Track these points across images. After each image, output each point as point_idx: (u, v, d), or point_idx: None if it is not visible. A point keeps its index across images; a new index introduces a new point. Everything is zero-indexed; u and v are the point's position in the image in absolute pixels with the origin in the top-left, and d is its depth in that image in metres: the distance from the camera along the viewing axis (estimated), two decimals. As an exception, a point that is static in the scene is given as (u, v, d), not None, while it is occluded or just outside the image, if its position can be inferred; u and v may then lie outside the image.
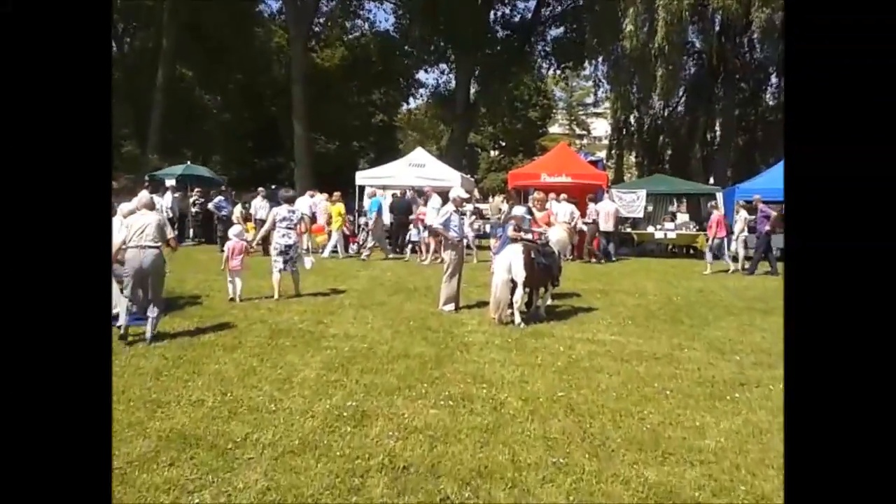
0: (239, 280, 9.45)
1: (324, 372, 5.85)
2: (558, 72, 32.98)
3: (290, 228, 9.73)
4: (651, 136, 31.95)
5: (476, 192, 19.70)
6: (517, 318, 7.96)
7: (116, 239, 6.83)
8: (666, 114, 31.12)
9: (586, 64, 30.77)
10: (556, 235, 9.03)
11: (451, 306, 8.87)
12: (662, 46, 22.15)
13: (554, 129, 60.75)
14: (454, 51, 29.77)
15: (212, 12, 32.24)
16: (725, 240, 15.33)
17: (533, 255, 8.06)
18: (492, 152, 54.90)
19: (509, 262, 7.95)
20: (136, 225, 6.86)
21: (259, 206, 17.54)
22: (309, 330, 7.58)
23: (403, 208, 17.45)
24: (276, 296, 9.48)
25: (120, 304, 7.02)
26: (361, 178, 19.68)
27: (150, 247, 6.81)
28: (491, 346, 6.88)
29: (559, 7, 30.79)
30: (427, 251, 15.70)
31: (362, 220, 18.27)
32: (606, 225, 16.78)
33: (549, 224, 9.86)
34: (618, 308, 9.50)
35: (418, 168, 19.42)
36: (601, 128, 55.23)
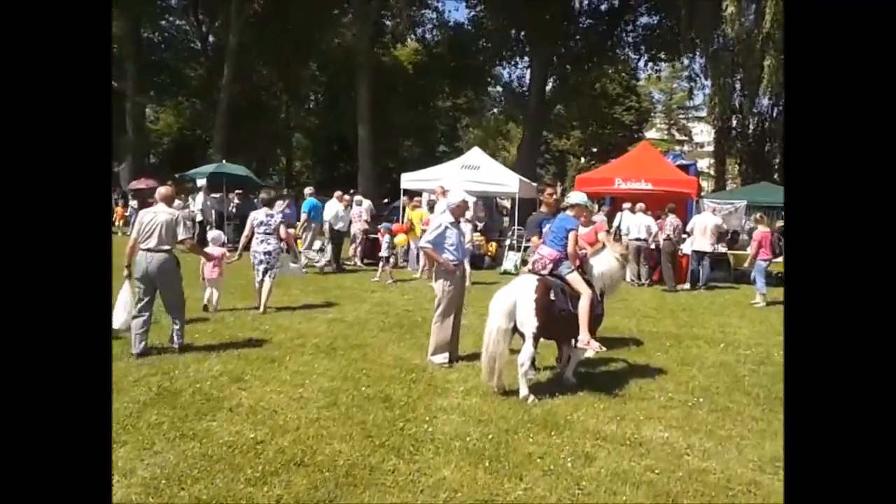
0: (216, 289, 8.86)
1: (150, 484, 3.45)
2: (650, 63, 29.29)
3: (268, 234, 9.01)
4: (757, 142, 27.91)
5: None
6: (523, 389, 5.30)
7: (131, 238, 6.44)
8: (774, 114, 26.99)
9: (683, 59, 27.14)
10: (603, 265, 5.89)
11: (444, 357, 6.31)
12: (772, 32, 18.54)
13: (651, 133, 56.04)
14: (529, 41, 26.87)
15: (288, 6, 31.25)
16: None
17: (553, 296, 5.37)
18: (581, 159, 51.23)
19: (512, 303, 5.31)
20: (145, 223, 6.30)
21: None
22: (211, 393, 5.22)
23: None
24: (261, 308, 8.79)
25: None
26: (407, 180, 17.35)
27: (159, 250, 6.25)
28: (453, 448, 4.24)
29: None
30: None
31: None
32: (701, 242, 12.93)
33: (592, 245, 7.06)
34: (689, 370, 6.59)
35: (471, 171, 16.85)
36: (704, 133, 50.74)
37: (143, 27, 31.73)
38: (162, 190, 6.82)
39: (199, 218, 17.47)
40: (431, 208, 14.12)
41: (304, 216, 14.53)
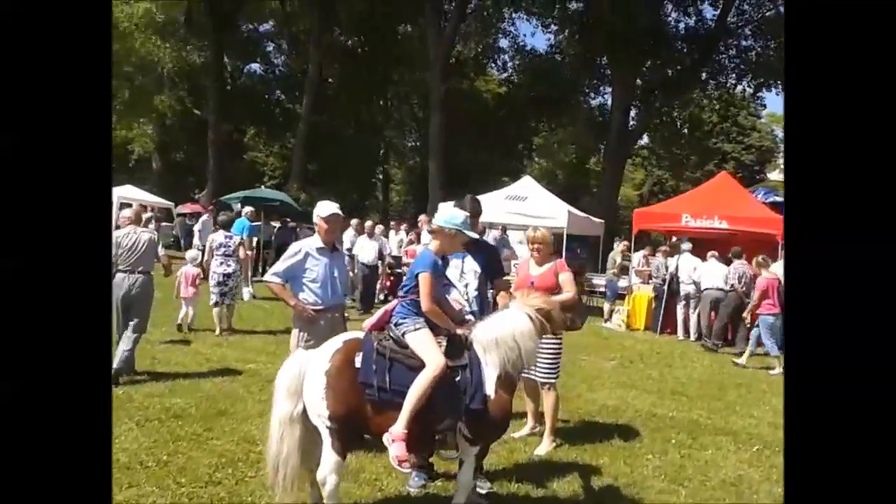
0: (191, 308, 9.03)
1: None
2: (752, 91, 25.90)
3: (227, 256, 9.06)
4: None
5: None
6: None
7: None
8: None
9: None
10: (498, 328, 3.52)
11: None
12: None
13: (774, 175, 50.58)
14: (613, 66, 24.52)
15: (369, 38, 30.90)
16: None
17: (360, 364, 3.39)
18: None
19: (299, 376, 3.47)
20: (124, 245, 6.29)
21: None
22: None
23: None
24: (217, 331, 8.99)
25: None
26: (444, 210, 15.64)
27: (140, 271, 6.33)
28: None
29: (755, 14, 24.16)
30: None
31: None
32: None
33: (549, 291, 4.94)
34: (678, 492, 4.36)
35: (516, 202, 14.94)
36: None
37: (227, 56, 32.42)
38: (127, 212, 6.94)
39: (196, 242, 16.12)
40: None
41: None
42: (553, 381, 5.20)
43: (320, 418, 3.36)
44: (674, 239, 14.51)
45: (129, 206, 10.70)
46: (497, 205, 15.10)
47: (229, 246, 9.16)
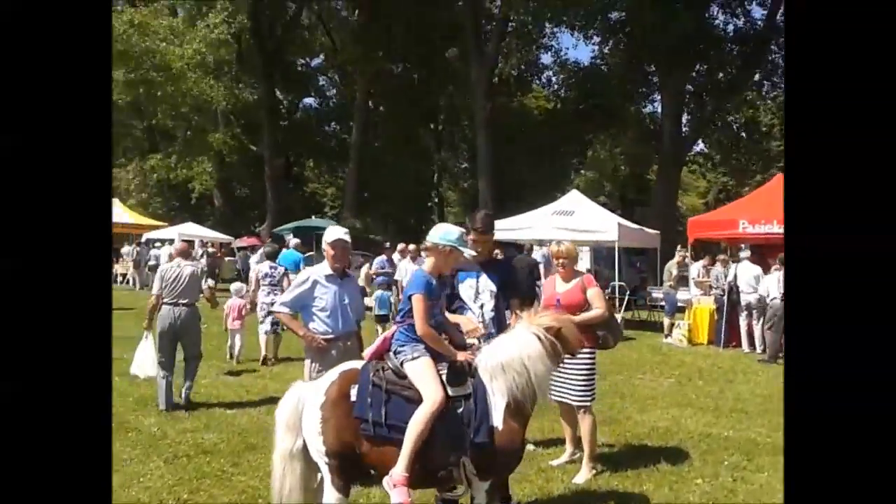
0: (239, 339, 9.28)
1: None
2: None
3: (273, 286, 9.14)
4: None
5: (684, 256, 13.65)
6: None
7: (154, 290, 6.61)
8: None
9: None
10: (504, 352, 3.26)
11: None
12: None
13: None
14: (661, 72, 23.84)
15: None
16: None
17: (355, 398, 3.22)
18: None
19: (297, 408, 3.36)
20: (168, 278, 6.47)
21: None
22: None
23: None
24: (261, 359, 9.22)
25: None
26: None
27: (186, 304, 6.50)
28: None
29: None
30: None
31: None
32: None
33: (576, 309, 4.66)
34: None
35: (563, 217, 14.52)
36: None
37: (280, 91, 33.33)
38: (178, 245, 7.58)
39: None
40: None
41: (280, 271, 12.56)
42: (588, 403, 4.87)
43: (318, 454, 3.19)
44: (735, 247, 13.82)
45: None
46: (544, 221, 14.76)
47: (274, 276, 9.32)
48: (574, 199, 15.43)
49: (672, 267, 13.29)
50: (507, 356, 3.25)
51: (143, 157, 30.45)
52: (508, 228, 15.44)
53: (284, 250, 12.90)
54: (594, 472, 4.81)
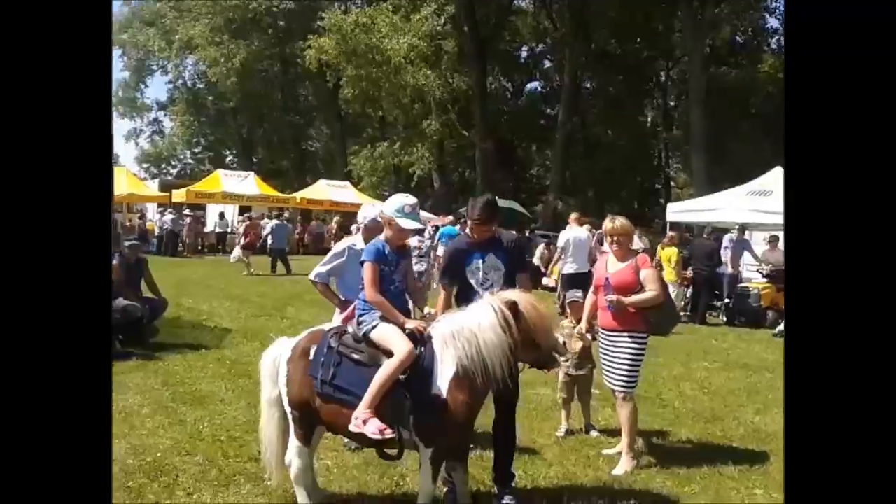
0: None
1: None
2: None
3: (420, 257, 8.79)
4: None
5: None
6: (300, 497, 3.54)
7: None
8: None
9: None
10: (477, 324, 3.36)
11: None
12: None
13: None
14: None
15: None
16: None
17: (314, 357, 3.47)
18: None
19: (276, 361, 3.66)
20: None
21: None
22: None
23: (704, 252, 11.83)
24: None
25: None
26: (674, 212, 14.39)
27: None
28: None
29: None
30: None
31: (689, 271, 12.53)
32: None
33: (627, 290, 4.35)
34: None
35: (759, 198, 13.02)
36: None
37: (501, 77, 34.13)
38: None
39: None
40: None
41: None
42: (630, 390, 4.54)
43: (286, 404, 3.52)
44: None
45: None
46: (737, 202, 13.40)
47: (422, 249, 9.65)
48: (775, 178, 13.67)
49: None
50: (459, 325, 3.31)
51: (374, 144, 33.51)
52: (692, 210, 14.33)
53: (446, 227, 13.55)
54: (635, 463, 4.49)
